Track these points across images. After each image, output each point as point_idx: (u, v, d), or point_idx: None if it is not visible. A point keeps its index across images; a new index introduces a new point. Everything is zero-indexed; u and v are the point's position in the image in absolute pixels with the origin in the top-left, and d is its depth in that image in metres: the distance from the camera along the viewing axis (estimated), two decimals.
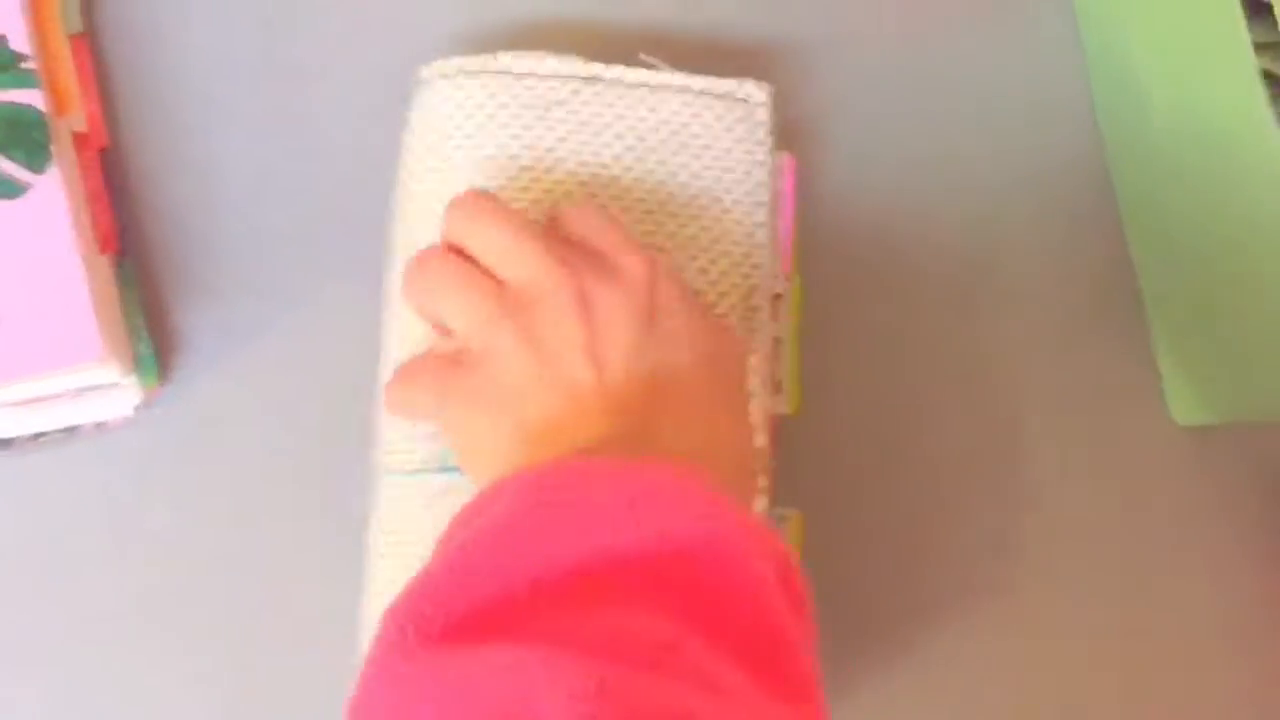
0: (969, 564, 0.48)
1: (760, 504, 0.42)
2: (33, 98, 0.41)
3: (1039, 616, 0.48)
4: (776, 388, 0.44)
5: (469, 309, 0.38)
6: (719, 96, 0.44)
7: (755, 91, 0.44)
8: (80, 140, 0.43)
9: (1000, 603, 0.48)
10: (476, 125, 0.42)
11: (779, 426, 0.44)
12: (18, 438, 0.44)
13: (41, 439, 0.44)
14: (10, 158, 0.41)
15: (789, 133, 0.47)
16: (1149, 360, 0.50)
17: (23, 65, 0.41)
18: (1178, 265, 0.48)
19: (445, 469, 0.40)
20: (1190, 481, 0.49)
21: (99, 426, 0.44)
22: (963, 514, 0.48)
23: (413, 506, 0.40)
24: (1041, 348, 0.50)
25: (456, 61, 0.43)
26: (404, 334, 0.42)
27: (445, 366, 0.38)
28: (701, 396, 0.38)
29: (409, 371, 0.40)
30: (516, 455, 0.36)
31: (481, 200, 0.39)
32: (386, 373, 0.42)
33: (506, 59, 0.43)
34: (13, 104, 0.41)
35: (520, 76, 0.43)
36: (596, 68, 0.43)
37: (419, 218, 0.42)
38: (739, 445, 0.40)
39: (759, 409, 0.41)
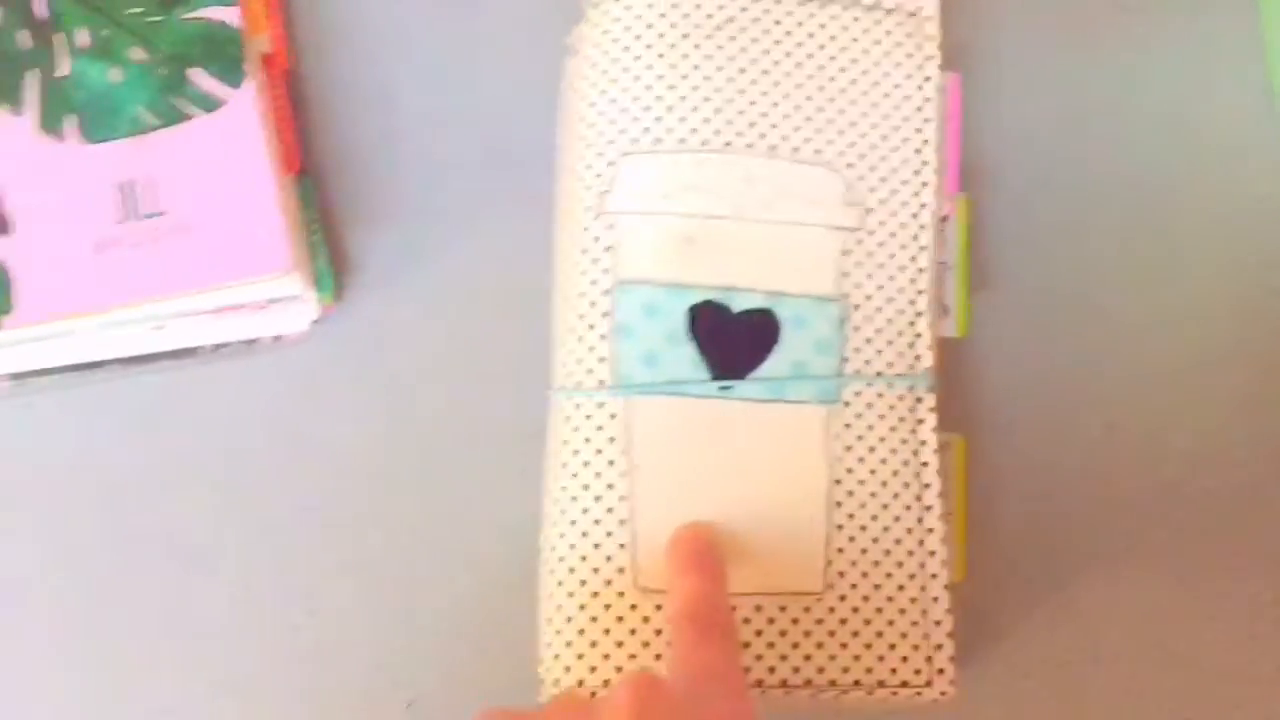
0: (1129, 507, 0.47)
1: (929, 423, 0.42)
2: (229, 15, 0.43)
3: (1198, 568, 0.46)
4: (944, 311, 0.44)
5: None
6: (889, 10, 0.44)
7: (924, 3, 0.44)
8: (266, 61, 0.45)
9: (1159, 550, 0.46)
10: (645, 46, 0.43)
11: (945, 350, 0.44)
12: (202, 347, 0.45)
13: (223, 350, 0.46)
14: (208, 72, 0.42)
15: (953, 52, 0.47)
16: None
17: None
18: None
19: (616, 389, 0.41)
20: None
21: (277, 339, 0.46)
22: (1125, 458, 0.47)
23: (585, 425, 0.41)
24: (1211, 301, 0.48)
25: None
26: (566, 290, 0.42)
27: None
28: None
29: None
30: None
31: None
32: (560, 303, 0.43)
33: None
34: (208, 21, 0.43)
35: None
36: None
37: (585, 145, 0.43)
38: None
39: None
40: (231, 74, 0.42)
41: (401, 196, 0.48)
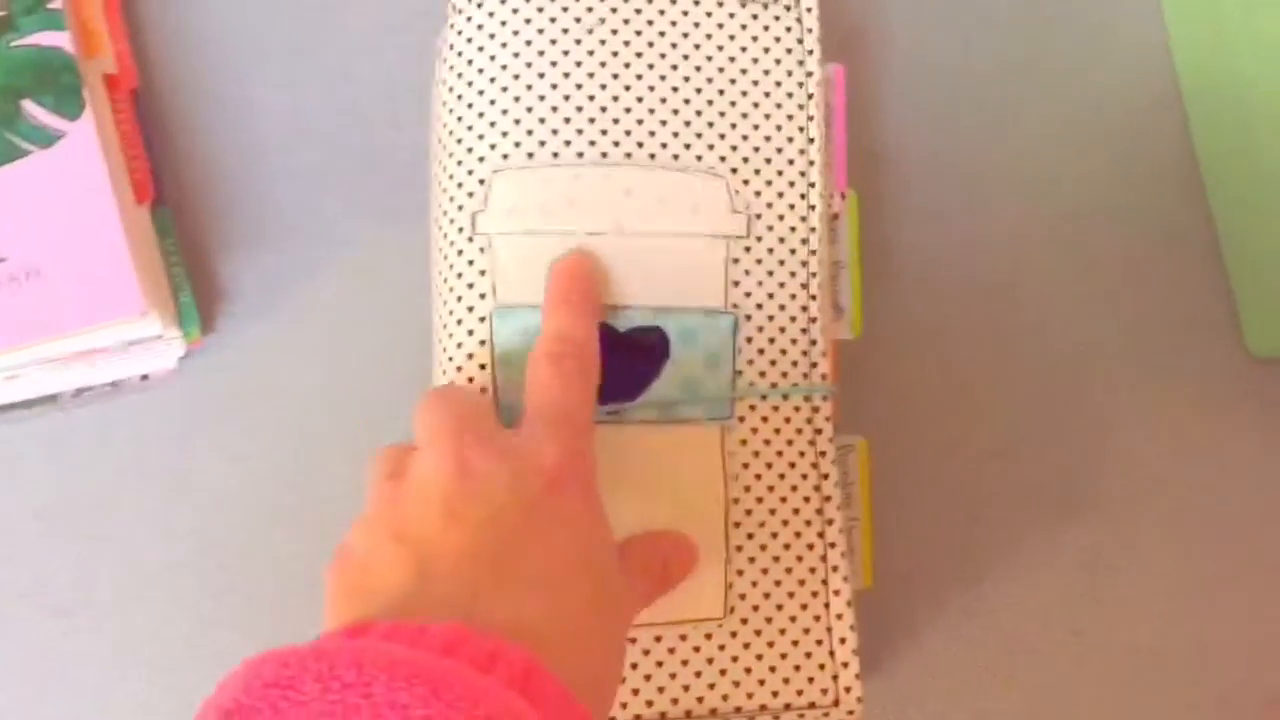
0: (1035, 495, 0.46)
1: (826, 432, 0.41)
2: (60, 39, 0.40)
3: (1107, 551, 0.46)
4: (839, 313, 0.43)
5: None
6: (765, 4, 0.42)
7: None
8: (110, 82, 0.42)
9: (1067, 536, 0.46)
10: (511, 55, 0.41)
11: (841, 352, 0.43)
12: (62, 394, 0.43)
13: (86, 394, 0.43)
14: (41, 104, 0.39)
15: (837, 43, 0.45)
16: (1224, 291, 0.48)
17: (49, 6, 0.40)
18: (1254, 191, 0.46)
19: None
20: (1264, 413, 0.47)
21: (143, 379, 0.44)
22: (1030, 445, 0.46)
23: None
24: (1114, 279, 0.48)
25: None
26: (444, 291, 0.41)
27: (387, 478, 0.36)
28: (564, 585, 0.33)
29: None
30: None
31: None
32: (438, 328, 0.41)
33: None
34: (40, 47, 0.40)
35: None
36: None
37: (454, 161, 0.41)
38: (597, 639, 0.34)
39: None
40: (68, 104, 0.39)
41: (272, 216, 0.46)
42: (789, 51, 0.42)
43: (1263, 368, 0.47)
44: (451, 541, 0.33)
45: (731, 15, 0.42)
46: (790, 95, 0.42)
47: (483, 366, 0.39)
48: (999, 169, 0.48)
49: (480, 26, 0.41)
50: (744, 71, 0.41)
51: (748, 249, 0.41)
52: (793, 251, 0.41)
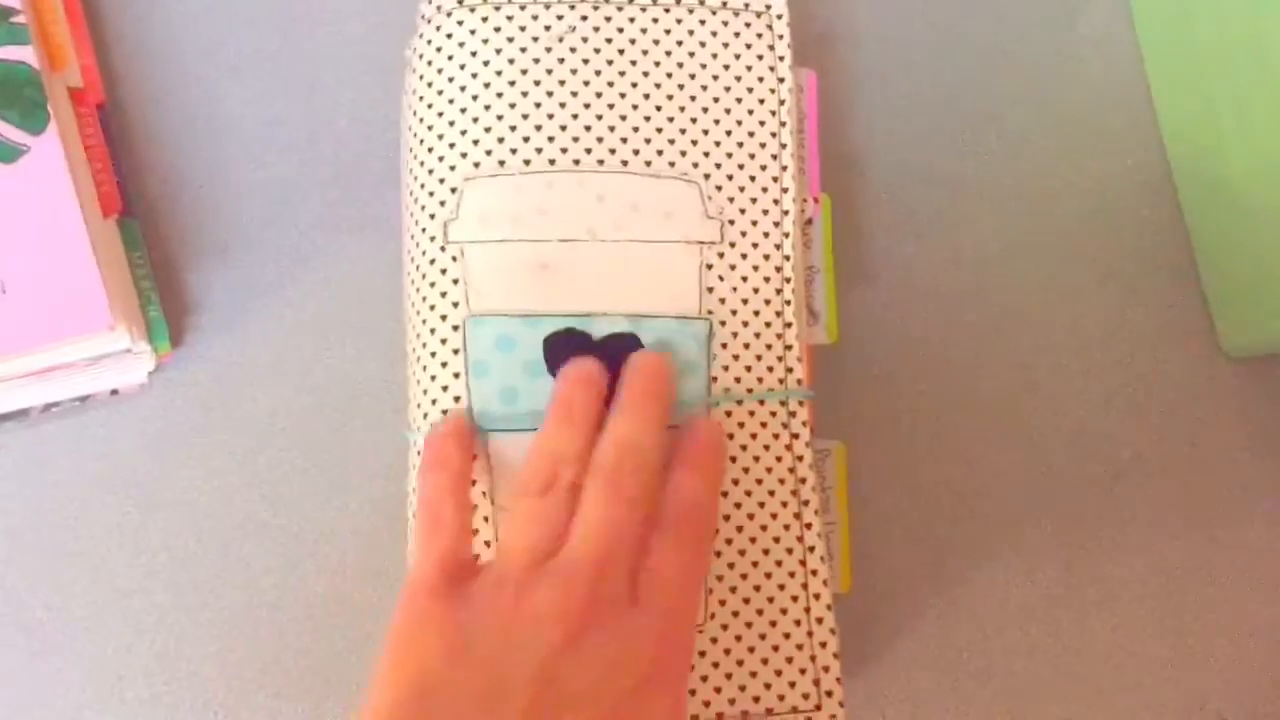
0: (1013, 497, 0.46)
1: (803, 437, 0.41)
2: (24, 54, 0.39)
3: (1085, 552, 0.46)
4: (814, 318, 0.43)
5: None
6: (736, 11, 0.42)
7: (773, 1, 0.42)
8: (76, 96, 0.42)
9: (1045, 538, 0.46)
10: (481, 63, 0.40)
11: (817, 357, 0.43)
12: (31, 409, 0.42)
13: (55, 409, 0.43)
14: (4, 119, 0.39)
15: (808, 48, 0.45)
16: (1198, 292, 0.48)
17: (12, 20, 0.39)
18: (1224, 193, 0.46)
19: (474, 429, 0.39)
20: (1241, 414, 0.48)
21: (113, 394, 0.43)
22: (1008, 447, 0.47)
23: None
24: (1087, 280, 0.48)
25: None
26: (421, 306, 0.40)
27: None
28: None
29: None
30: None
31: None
32: (411, 338, 0.40)
33: None
34: (4, 62, 0.39)
35: (525, 6, 0.41)
36: None
37: (425, 169, 0.41)
38: None
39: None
40: (32, 119, 0.39)
41: (241, 228, 0.45)
42: (760, 58, 0.42)
43: (1238, 367, 0.48)
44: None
45: (702, 22, 0.42)
46: (762, 101, 0.42)
47: (456, 375, 0.39)
48: (972, 173, 0.48)
49: (450, 35, 0.41)
50: (715, 78, 0.41)
51: (721, 255, 0.41)
52: (766, 257, 0.41)
